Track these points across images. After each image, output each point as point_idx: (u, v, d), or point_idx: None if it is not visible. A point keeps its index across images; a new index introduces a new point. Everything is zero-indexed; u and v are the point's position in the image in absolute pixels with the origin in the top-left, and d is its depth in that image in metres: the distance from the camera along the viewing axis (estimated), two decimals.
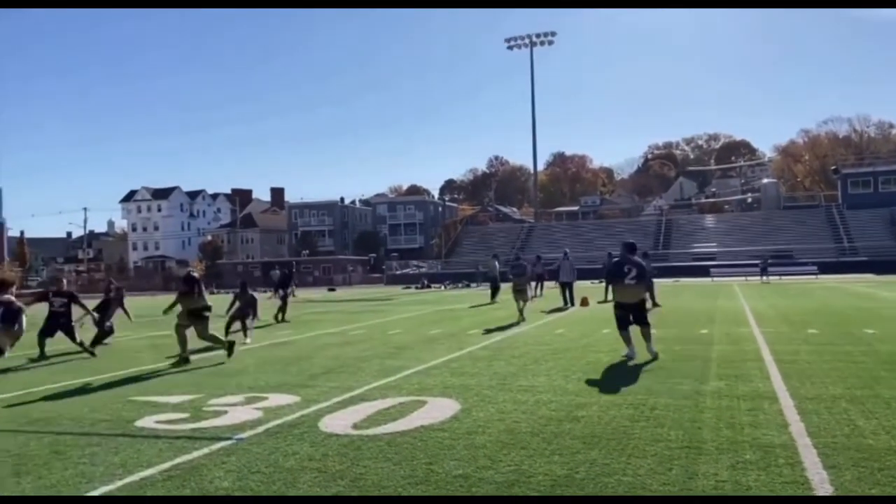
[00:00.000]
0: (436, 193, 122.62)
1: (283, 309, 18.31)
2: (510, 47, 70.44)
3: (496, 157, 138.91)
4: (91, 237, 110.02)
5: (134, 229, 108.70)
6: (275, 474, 4.65)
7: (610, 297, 22.47)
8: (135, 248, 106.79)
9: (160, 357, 11.32)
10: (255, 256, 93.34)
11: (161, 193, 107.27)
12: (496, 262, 26.04)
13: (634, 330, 9.42)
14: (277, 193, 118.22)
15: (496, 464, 4.72)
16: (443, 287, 46.44)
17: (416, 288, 46.51)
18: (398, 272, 63.59)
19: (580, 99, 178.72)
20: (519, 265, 18.04)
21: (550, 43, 69.70)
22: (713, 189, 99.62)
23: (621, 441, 5.20)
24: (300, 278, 62.46)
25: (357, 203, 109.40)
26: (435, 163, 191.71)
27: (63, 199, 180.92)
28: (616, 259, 10.24)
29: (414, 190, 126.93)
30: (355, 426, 5.90)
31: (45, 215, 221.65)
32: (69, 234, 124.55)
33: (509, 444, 5.18)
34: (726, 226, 63.99)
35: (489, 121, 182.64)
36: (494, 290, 24.94)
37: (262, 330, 15.99)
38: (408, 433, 5.61)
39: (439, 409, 6.46)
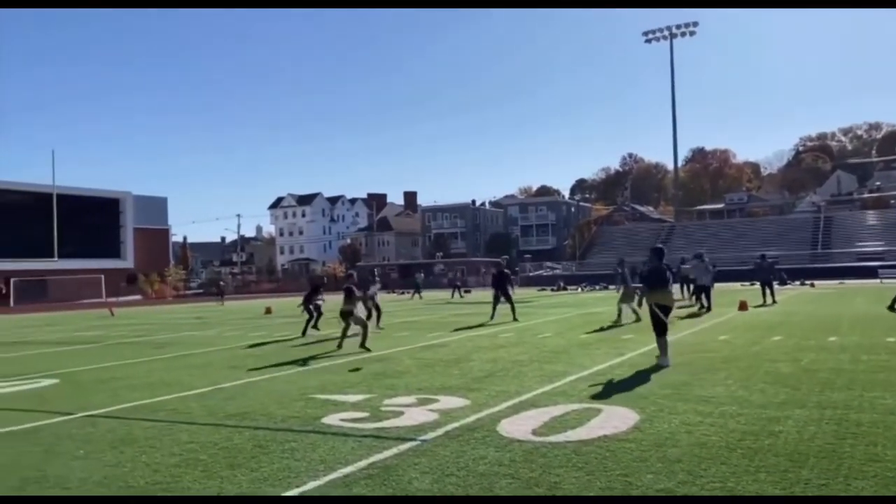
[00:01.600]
0: (566, 193, 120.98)
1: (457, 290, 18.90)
2: (648, 40, 68.12)
3: (630, 155, 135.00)
4: (243, 241, 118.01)
5: (281, 234, 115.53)
6: (469, 478, 4.69)
7: (769, 300, 21.23)
8: (282, 252, 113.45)
9: (325, 355, 11.90)
10: (390, 259, 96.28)
11: (305, 199, 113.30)
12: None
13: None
14: (410, 197, 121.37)
15: (697, 479, 4.51)
16: (580, 289, 45.63)
17: (552, 290, 45.99)
18: (531, 274, 63.23)
19: (722, 90, 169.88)
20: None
21: (692, 34, 66.70)
22: (877, 183, 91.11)
23: (832, 460, 4.81)
24: (434, 280, 63.80)
25: (487, 205, 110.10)
26: (564, 162, 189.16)
27: (219, 207, 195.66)
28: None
29: (544, 191, 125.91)
30: (535, 432, 5.87)
31: (204, 221, 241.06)
32: (223, 238, 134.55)
33: (706, 459, 4.94)
34: (895, 222, 58.31)
35: (622, 118, 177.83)
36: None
37: (413, 332, 16.42)
38: (591, 442, 5.50)
39: (618, 419, 6.29)
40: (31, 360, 13.76)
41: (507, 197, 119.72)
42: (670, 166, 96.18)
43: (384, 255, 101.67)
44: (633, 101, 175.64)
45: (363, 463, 5.11)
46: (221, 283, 54.08)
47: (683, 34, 66.92)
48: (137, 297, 64.56)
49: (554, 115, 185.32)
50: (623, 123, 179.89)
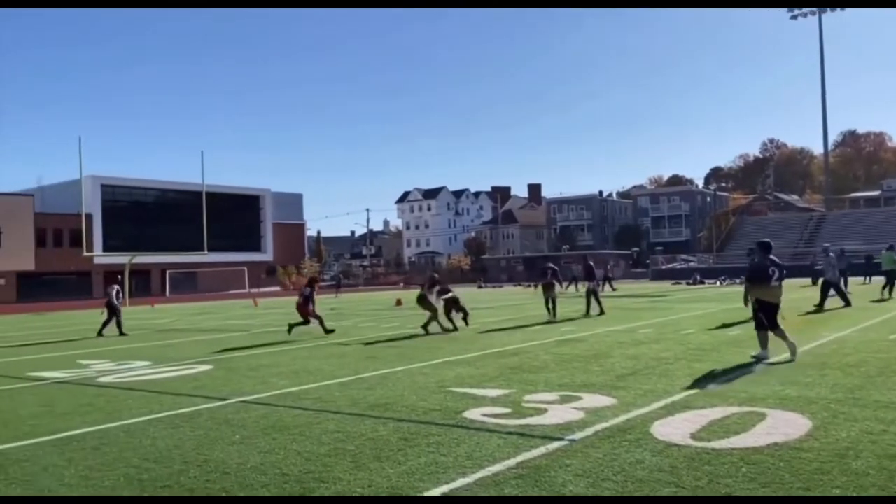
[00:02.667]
0: (700, 182, 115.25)
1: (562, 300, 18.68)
2: (794, 17, 63.32)
3: (771, 140, 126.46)
4: (371, 235, 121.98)
5: (407, 227, 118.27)
6: (628, 484, 4.38)
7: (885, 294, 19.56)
8: (408, 245, 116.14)
9: (458, 348, 11.87)
10: (515, 251, 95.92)
11: (430, 193, 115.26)
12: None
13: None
14: (535, 189, 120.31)
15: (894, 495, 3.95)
16: (718, 283, 43.25)
17: (688, 284, 43.90)
18: (664, 267, 60.70)
19: (877, 68, 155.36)
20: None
21: (843, 7, 61.29)
22: None
23: None
24: (562, 273, 62.75)
25: (615, 196, 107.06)
26: (697, 150, 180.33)
27: (349, 202, 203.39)
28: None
29: (676, 180, 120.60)
30: (694, 437, 5.43)
31: (336, 216, 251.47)
32: (353, 232, 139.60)
33: None
34: None
35: (761, 101, 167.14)
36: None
37: (547, 325, 16.11)
38: (761, 450, 5.01)
39: (787, 425, 5.72)
40: (187, 346, 14.73)
41: (636, 187, 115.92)
42: (816, 151, 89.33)
43: (509, 247, 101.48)
44: (773, 82, 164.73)
45: (511, 462, 4.92)
46: (341, 276, 55.98)
47: (833, 8, 61.62)
48: (276, 288, 68.23)
49: (685, 100, 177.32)
50: (763, 107, 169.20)
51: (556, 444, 5.33)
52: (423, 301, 15.13)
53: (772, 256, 9.56)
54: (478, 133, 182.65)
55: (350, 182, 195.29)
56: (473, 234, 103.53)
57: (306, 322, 15.41)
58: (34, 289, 58.53)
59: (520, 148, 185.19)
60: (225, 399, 7.86)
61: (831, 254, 20.21)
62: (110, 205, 66.27)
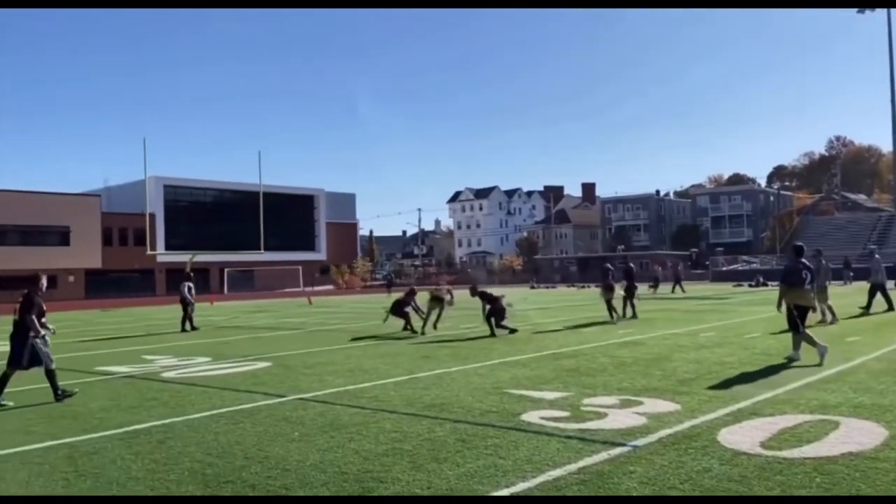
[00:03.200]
0: (762, 181, 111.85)
1: (631, 304, 18.26)
2: (861, 10, 60.77)
3: (837, 138, 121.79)
4: (423, 235, 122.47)
5: (459, 227, 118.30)
6: (696, 493, 4.23)
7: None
8: (460, 245, 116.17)
9: (513, 349, 11.77)
10: (568, 252, 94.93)
11: (482, 193, 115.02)
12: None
13: None
14: (588, 189, 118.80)
15: None
16: None
17: (750, 286, 42.64)
18: (724, 268, 59.10)
19: None
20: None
21: None
22: None
23: None
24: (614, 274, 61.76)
25: (672, 195, 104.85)
26: (759, 148, 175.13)
27: (401, 202, 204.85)
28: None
29: (737, 179, 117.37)
30: (764, 445, 5.22)
31: (387, 216, 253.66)
32: (404, 232, 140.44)
33: None
34: None
35: (827, 97, 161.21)
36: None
37: (598, 328, 15.87)
38: (835, 460, 4.78)
39: (862, 433, 5.46)
40: (245, 343, 15.02)
41: (694, 186, 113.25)
42: (885, 149, 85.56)
43: (562, 247, 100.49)
44: (839, 78, 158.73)
45: (573, 466, 4.81)
46: (392, 276, 56.15)
47: None
48: (329, 287, 69.17)
49: (745, 97, 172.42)
50: (828, 104, 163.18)
51: (618, 450, 5.20)
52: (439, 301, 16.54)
53: (803, 259, 9.85)
54: (530, 132, 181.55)
55: (402, 182, 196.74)
56: (525, 233, 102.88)
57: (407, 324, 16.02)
58: (101, 286, 60.76)
59: (573, 147, 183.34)
60: (283, 396, 7.96)
61: (877, 255, 20.01)
62: (172, 204, 68.30)
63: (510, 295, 16.34)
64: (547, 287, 54.91)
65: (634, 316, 17.95)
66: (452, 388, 8.15)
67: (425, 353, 11.83)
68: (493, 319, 14.52)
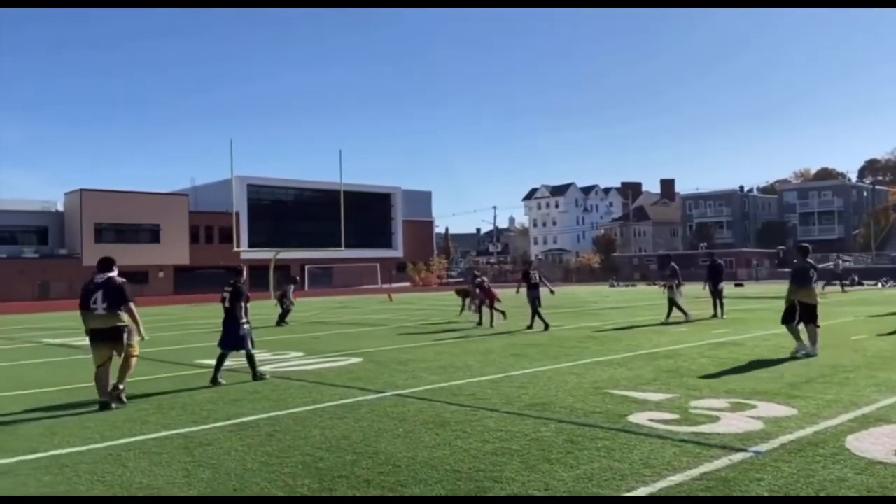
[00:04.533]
0: (853, 176, 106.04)
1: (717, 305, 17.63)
2: None
3: None
4: (497, 232, 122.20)
5: (535, 225, 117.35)
6: None
7: None
8: (535, 242, 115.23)
9: (604, 348, 11.50)
10: (647, 249, 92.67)
11: (558, 190, 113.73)
12: None
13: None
14: (668, 185, 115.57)
15: None
16: (879, 285, 39.58)
17: (843, 285, 40.45)
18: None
19: None
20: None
21: None
22: None
23: None
24: (695, 273, 59.82)
25: (755, 191, 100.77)
26: (849, 141, 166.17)
27: (476, 199, 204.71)
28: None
29: (825, 173, 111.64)
30: None
31: (463, 214, 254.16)
32: (478, 230, 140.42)
33: None
34: None
35: None
36: None
37: (689, 327, 15.36)
38: None
39: None
40: (333, 339, 15.28)
41: (780, 182, 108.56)
42: None
43: (640, 245, 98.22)
44: None
45: (694, 472, 4.60)
46: (477, 273, 55.56)
47: None
48: (406, 284, 69.87)
49: (833, 87, 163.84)
50: None
51: (739, 456, 4.95)
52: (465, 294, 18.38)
53: (809, 259, 10.33)
54: (606, 128, 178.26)
55: (477, 180, 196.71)
56: (603, 231, 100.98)
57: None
58: (188, 282, 63.34)
59: (651, 142, 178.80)
60: (381, 392, 8.00)
61: None
62: (255, 203, 70.53)
63: (589, 293, 15.95)
64: (626, 285, 53.72)
65: (721, 315, 17.30)
66: (549, 387, 8.00)
67: (515, 350, 11.70)
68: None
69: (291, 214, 72.49)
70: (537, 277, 16.35)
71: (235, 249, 51.57)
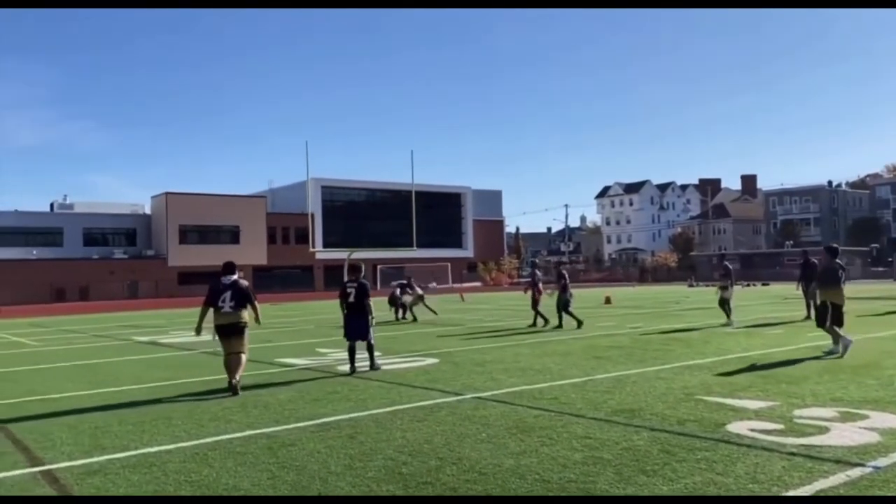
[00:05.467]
0: None
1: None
2: None
3: None
4: (569, 231, 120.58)
5: (608, 223, 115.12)
6: None
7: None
8: (608, 241, 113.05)
9: (691, 351, 10.99)
10: (727, 248, 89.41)
11: (632, 188, 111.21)
12: None
13: None
14: (749, 181, 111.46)
15: None
16: None
17: None
18: None
19: None
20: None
21: None
22: None
23: None
24: (783, 272, 57.26)
25: (844, 186, 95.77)
26: None
27: (547, 198, 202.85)
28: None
29: None
30: None
31: (533, 213, 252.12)
32: (549, 228, 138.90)
33: None
34: None
35: None
36: None
37: (781, 329, 14.56)
38: None
39: None
40: (409, 338, 15.23)
41: (871, 176, 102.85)
42: None
43: (720, 243, 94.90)
44: None
45: (808, 489, 4.22)
46: (563, 272, 54.10)
47: None
48: (477, 283, 69.73)
49: None
50: None
51: (857, 472, 4.52)
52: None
53: (837, 260, 10.32)
54: (682, 124, 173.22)
55: (548, 178, 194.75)
56: (680, 229, 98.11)
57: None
58: (266, 281, 65.09)
59: (730, 137, 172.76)
60: (460, 394, 7.83)
61: None
62: (328, 204, 71.92)
63: (668, 293, 15.36)
64: (706, 285, 51.88)
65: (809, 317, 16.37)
66: (637, 392, 7.64)
67: (596, 353, 11.33)
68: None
69: (363, 215, 73.56)
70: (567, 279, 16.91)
71: (311, 250, 52.69)
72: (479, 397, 7.62)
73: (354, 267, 10.69)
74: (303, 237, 60.02)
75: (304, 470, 4.98)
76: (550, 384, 8.35)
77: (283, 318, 24.93)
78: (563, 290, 16.42)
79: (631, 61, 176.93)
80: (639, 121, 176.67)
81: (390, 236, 63.49)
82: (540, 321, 17.00)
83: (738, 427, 5.84)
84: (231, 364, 8.49)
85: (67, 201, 68.28)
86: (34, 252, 59.54)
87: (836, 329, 9.98)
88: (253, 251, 66.19)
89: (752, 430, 5.74)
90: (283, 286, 63.48)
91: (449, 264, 69.20)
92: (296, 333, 17.92)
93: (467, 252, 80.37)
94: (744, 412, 6.45)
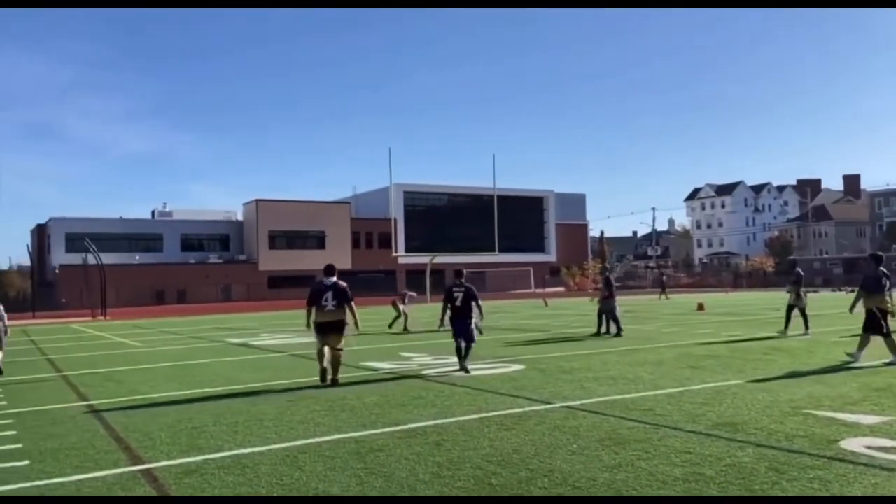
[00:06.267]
0: None
1: None
2: None
3: None
4: (656, 235, 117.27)
5: (698, 226, 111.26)
6: None
7: None
8: (699, 245, 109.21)
9: (795, 361, 10.34)
10: (829, 251, 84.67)
11: (724, 189, 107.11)
12: None
13: None
14: (851, 181, 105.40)
15: None
16: None
17: None
18: None
19: None
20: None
21: None
22: None
23: None
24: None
25: None
26: None
27: (633, 201, 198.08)
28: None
29: None
30: None
31: (618, 216, 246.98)
32: (635, 232, 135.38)
33: None
34: None
35: None
36: None
37: None
38: None
39: None
40: (491, 344, 15.06)
41: None
42: None
43: (821, 247, 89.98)
44: None
45: None
46: (665, 277, 51.69)
47: None
48: (560, 288, 68.76)
49: None
50: None
51: None
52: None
53: (882, 268, 10.45)
54: (777, 120, 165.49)
55: (634, 181, 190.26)
56: (777, 232, 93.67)
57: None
58: (350, 285, 65.69)
59: (830, 135, 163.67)
60: (548, 403, 7.63)
61: None
62: (410, 209, 72.81)
63: (765, 300, 14.53)
64: (807, 291, 49.25)
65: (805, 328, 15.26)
66: (739, 405, 7.21)
67: (690, 362, 10.84)
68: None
69: (445, 219, 74.03)
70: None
71: (394, 254, 53.35)
72: (568, 406, 7.39)
73: (459, 272, 11.30)
74: (386, 242, 60.98)
75: (392, 477, 4.92)
76: (643, 394, 8.02)
77: (367, 322, 25.27)
78: (610, 296, 16.23)
79: (722, 59, 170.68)
80: (730, 120, 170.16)
81: (471, 241, 63.58)
82: (612, 328, 16.30)
83: (853, 444, 5.40)
84: (322, 354, 9.54)
85: (166, 209, 72.01)
86: (137, 257, 63.07)
87: (882, 335, 10.02)
88: (338, 256, 67.62)
89: (869, 447, 5.30)
90: (367, 290, 64.56)
91: (531, 269, 68.54)
92: (379, 337, 18.10)
93: (550, 256, 79.47)
94: (857, 428, 5.97)
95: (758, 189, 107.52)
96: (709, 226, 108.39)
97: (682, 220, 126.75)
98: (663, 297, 39.24)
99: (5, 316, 12.44)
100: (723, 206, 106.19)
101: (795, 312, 15.41)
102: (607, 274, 17.85)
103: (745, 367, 10.07)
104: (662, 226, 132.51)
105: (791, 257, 48.50)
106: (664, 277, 48.49)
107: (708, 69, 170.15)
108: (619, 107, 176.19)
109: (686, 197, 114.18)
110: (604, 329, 16.34)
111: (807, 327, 15.15)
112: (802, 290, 15.53)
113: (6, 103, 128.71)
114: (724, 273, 73.38)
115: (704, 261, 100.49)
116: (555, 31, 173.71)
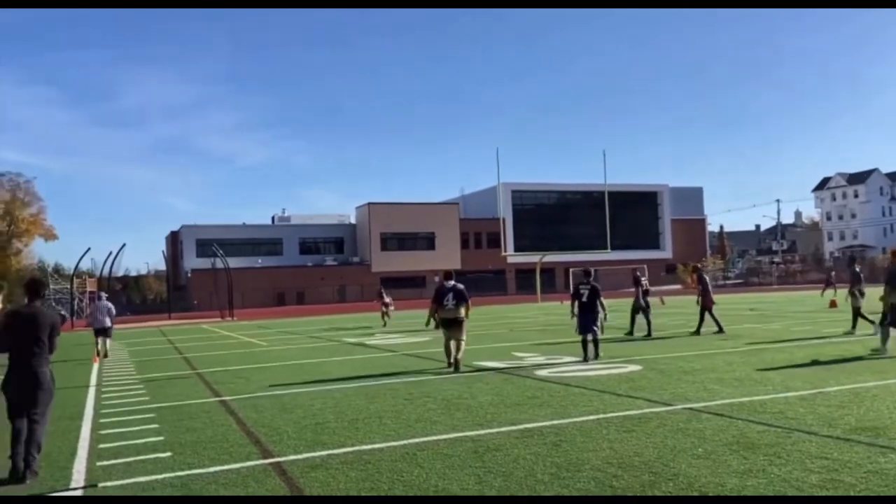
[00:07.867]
0: None
1: None
2: None
3: None
4: (781, 228, 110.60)
5: (828, 218, 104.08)
6: None
7: None
8: (830, 238, 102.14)
9: None
10: None
11: (857, 178, 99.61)
12: None
13: None
14: None
15: None
16: None
17: None
18: None
19: None
20: None
21: None
22: None
23: None
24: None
25: None
26: None
27: (755, 194, 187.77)
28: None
29: None
30: None
31: (739, 210, 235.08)
32: (758, 226, 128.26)
33: None
34: None
35: None
36: None
37: None
38: None
39: None
40: (607, 344, 14.65)
41: None
42: None
43: None
44: None
45: None
46: (833, 272, 47.99)
47: None
48: (677, 286, 66.24)
49: None
50: None
51: None
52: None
53: None
54: None
55: (755, 172, 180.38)
56: None
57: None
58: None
59: None
60: (669, 404, 7.37)
61: None
62: (518, 208, 72.53)
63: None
64: None
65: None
66: (880, 408, 6.69)
67: (823, 362, 10.15)
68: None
69: (554, 218, 73.19)
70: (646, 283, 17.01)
71: (503, 254, 53.34)
72: (691, 408, 7.12)
73: (587, 271, 12.12)
74: (494, 241, 61.02)
75: (511, 476, 4.92)
76: (773, 396, 7.59)
77: (479, 322, 25.40)
78: (644, 294, 16.61)
79: (853, 38, 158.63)
80: (863, 103, 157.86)
81: (582, 238, 62.50)
82: (704, 328, 15.99)
83: None
84: (451, 348, 11.05)
85: (285, 214, 75.53)
86: (259, 261, 66.55)
87: (885, 330, 10.80)
88: (447, 256, 68.48)
89: None
90: (476, 290, 64.89)
91: (645, 266, 66.49)
92: (490, 337, 18.14)
93: (665, 253, 76.86)
94: None
95: (894, 177, 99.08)
96: (840, 217, 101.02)
97: (811, 213, 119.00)
98: (833, 292, 36.16)
99: (115, 313, 16.63)
100: (856, 196, 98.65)
101: None
102: (636, 273, 18.01)
103: (887, 367, 9.33)
104: (788, 218, 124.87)
105: (851, 253, 43.84)
106: (832, 273, 44.42)
107: (836, 50, 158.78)
108: (732, 95, 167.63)
109: (814, 187, 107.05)
110: (714, 328, 15.94)
111: (853, 325, 14.84)
112: (859, 289, 15.22)
113: (140, 122, 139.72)
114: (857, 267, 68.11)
115: (836, 254, 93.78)
116: (667, 23, 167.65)
